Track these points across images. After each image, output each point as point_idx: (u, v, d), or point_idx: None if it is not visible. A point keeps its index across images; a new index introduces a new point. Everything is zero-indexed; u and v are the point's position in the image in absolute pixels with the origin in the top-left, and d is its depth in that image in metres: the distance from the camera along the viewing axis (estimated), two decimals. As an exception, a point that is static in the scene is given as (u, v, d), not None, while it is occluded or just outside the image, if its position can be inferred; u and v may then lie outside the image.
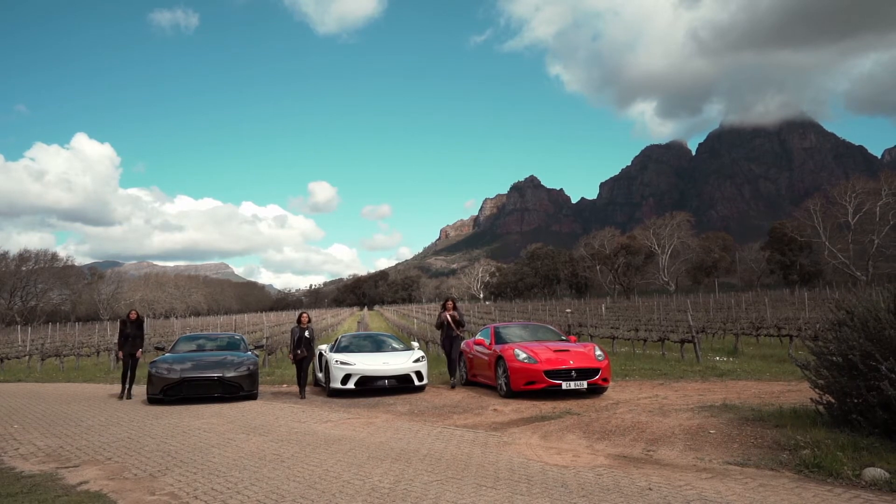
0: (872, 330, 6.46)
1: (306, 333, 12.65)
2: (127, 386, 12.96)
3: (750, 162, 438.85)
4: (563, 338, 12.91)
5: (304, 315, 13.22)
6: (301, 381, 12.63)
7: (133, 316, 13.54)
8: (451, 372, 13.15)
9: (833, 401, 6.91)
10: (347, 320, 66.19)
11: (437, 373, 14.42)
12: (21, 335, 40.11)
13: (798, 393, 9.59)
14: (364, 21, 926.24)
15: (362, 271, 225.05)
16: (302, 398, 12.13)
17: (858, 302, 7.03)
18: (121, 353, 13.17)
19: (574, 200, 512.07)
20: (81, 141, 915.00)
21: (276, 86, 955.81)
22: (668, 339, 18.33)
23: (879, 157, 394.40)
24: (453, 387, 12.69)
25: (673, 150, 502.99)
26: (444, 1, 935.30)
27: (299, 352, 12.50)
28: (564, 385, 10.64)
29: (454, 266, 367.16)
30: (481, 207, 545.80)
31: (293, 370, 16.99)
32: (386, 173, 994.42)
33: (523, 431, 8.13)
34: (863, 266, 65.87)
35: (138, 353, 13.27)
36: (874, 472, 5.28)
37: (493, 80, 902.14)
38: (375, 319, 66.92)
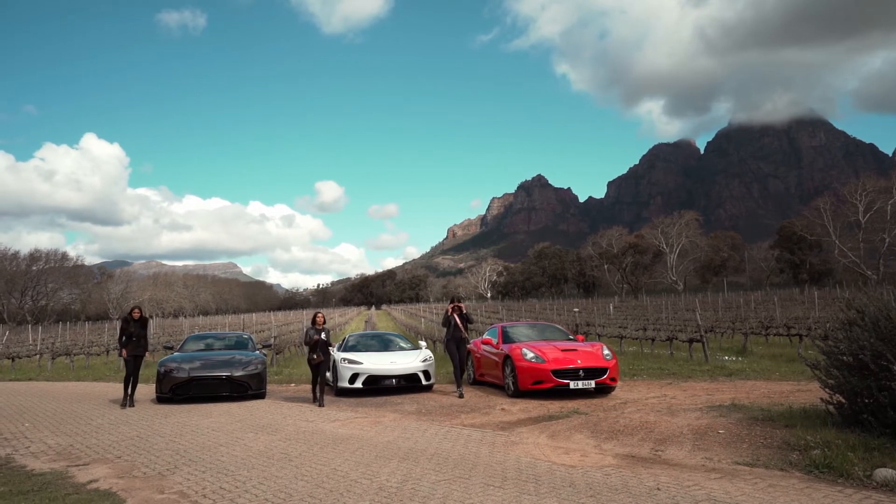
0: (884, 329, 6.41)
1: (322, 336, 11.58)
2: (129, 392, 11.73)
3: (759, 160, 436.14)
4: (571, 337, 12.87)
5: (319, 315, 12.11)
6: (316, 387, 11.36)
7: (136, 314, 12.15)
8: (458, 380, 12.14)
9: (843, 401, 6.85)
10: (355, 319, 66.31)
11: (445, 372, 14.40)
12: (32, 334, 40.45)
13: (808, 393, 9.52)
14: (370, 21, 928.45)
15: (369, 271, 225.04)
16: (320, 406, 10.89)
17: (869, 301, 6.96)
18: (124, 352, 11.94)
19: (581, 199, 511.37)
20: (90, 141, 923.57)
21: (282, 86, 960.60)
22: (677, 339, 18.25)
23: (890, 155, 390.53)
24: (461, 396, 11.54)
25: (681, 149, 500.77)
26: (449, 0, 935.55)
27: (315, 356, 11.41)
28: (572, 384, 10.61)
29: (461, 265, 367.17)
30: (488, 207, 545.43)
31: (301, 369, 17.09)
32: (393, 173, 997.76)
33: (531, 431, 8.11)
34: (873, 265, 65.33)
35: (146, 355, 12.24)
36: (885, 473, 5.23)
37: (499, 80, 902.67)
38: (383, 319, 66.98)
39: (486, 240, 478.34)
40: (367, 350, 13.31)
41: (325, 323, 12.06)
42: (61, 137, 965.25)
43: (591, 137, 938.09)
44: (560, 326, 14.79)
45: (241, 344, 14.04)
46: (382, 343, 14.03)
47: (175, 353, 13.10)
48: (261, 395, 12.29)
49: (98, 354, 27.18)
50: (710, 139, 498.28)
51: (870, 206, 67.21)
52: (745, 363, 15.28)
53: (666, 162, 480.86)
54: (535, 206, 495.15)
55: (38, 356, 26.41)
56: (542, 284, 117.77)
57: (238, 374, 11.97)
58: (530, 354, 11.01)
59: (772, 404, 8.72)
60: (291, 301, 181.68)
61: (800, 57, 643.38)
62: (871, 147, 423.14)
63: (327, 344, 11.82)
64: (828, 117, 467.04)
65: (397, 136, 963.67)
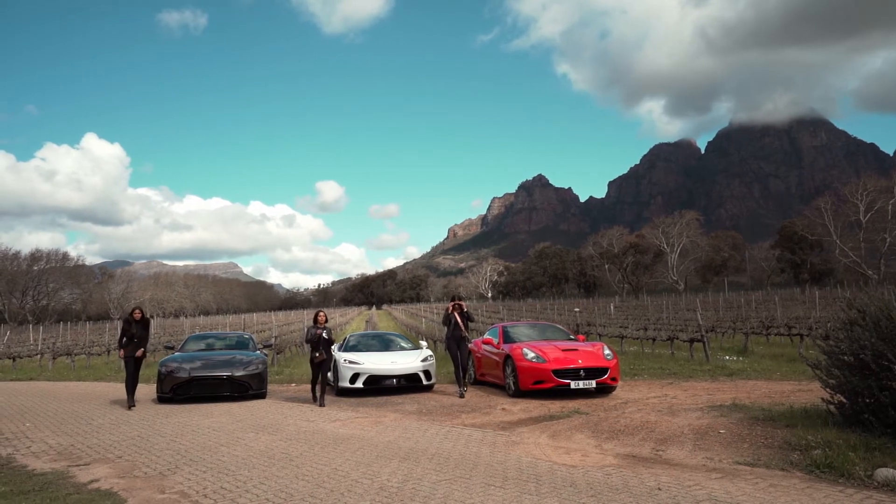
0: (885, 329, 6.40)
1: (324, 334, 11.48)
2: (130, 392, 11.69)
3: (759, 160, 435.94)
4: (572, 337, 12.87)
5: (321, 314, 12.03)
6: (316, 387, 11.36)
7: (137, 315, 11.99)
8: (460, 379, 11.96)
9: (844, 401, 6.85)
10: (356, 319, 66.32)
11: (445, 372, 14.41)
12: (33, 334, 40.50)
13: (809, 393, 9.52)
14: (370, 21, 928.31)
15: (370, 270, 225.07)
16: (321, 406, 10.85)
17: (870, 301, 6.96)
18: (121, 353, 11.94)
19: (582, 199, 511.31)
20: (91, 141, 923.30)
21: (283, 85, 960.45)
22: (678, 339, 18.23)
23: (891, 154, 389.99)
24: (462, 396, 11.50)
25: (682, 149, 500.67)
26: (450, 0, 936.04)
27: (318, 354, 11.35)
28: (573, 384, 10.61)
29: (462, 265, 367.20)
30: (489, 206, 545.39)
31: (302, 369, 17.09)
32: (393, 172, 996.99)
33: (532, 431, 8.11)
34: (874, 265, 65.33)
35: (139, 353, 11.84)
36: (886, 473, 5.22)
37: (500, 80, 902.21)
38: (384, 319, 66.99)
39: (487, 239, 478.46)
40: (367, 350, 13.31)
41: (326, 322, 12.01)
42: (62, 137, 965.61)
43: (592, 137, 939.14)
44: (561, 326, 14.78)
45: (241, 344, 14.05)
46: (383, 343, 14.03)
47: (176, 353, 13.10)
48: (261, 395, 12.29)
49: (99, 354, 27.20)
50: (710, 139, 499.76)
51: (871, 206, 67.20)
52: (746, 363, 15.27)
53: (666, 162, 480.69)
54: (535, 205, 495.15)
55: (39, 356, 26.42)
56: (543, 284, 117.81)
57: (239, 373, 11.97)
58: (531, 354, 11.01)
59: (773, 404, 8.72)
60: (292, 301, 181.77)
61: (800, 57, 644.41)
62: (872, 147, 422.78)
63: (329, 342, 11.78)
64: (828, 117, 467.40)
65: (397, 136, 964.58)
